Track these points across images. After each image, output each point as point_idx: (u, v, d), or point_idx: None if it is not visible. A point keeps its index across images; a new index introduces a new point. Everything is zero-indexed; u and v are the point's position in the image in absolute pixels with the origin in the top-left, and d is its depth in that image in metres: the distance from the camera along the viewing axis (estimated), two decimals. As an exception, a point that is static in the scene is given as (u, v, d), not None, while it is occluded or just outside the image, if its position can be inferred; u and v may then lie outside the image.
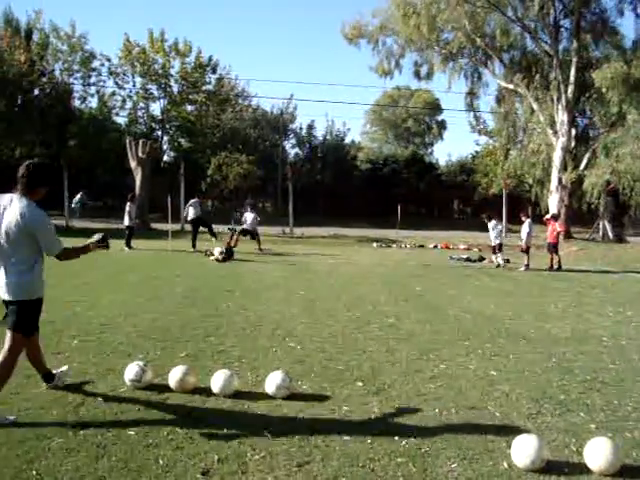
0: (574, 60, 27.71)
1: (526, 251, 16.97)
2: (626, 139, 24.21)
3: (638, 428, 4.69)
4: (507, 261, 17.84)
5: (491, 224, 17.44)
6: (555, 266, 17.08)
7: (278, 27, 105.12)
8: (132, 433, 4.32)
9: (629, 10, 28.04)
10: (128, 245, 18.77)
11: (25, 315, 4.57)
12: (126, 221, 19.40)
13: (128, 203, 19.56)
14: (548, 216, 18.36)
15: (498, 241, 17.30)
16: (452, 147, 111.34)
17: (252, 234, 19.80)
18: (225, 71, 44.33)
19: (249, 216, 19.89)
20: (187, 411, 4.81)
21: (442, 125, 68.72)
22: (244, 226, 19.81)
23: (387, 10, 31.51)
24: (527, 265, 16.82)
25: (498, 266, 17.10)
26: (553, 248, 17.25)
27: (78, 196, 33.24)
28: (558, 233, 17.61)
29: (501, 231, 17.62)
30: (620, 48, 27.32)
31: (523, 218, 17.49)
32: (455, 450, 4.19)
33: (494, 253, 17.63)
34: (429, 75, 33.65)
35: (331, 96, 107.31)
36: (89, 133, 37.28)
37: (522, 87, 29.53)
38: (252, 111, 47.04)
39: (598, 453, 3.90)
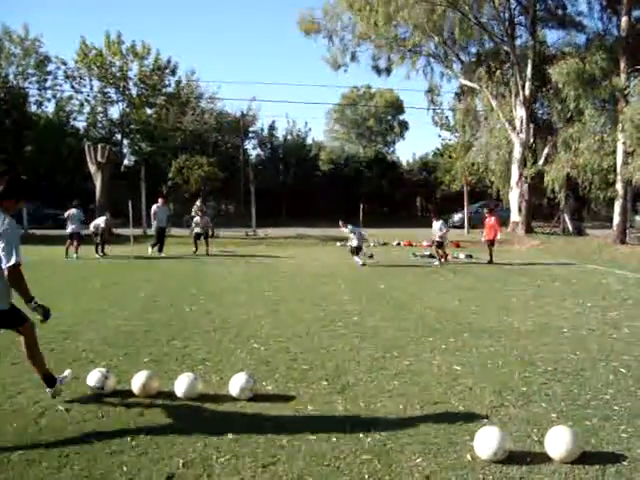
0: (530, 56, 28.13)
1: (439, 246, 17.19)
2: (583, 134, 24.63)
3: (596, 416, 4.81)
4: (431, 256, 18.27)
5: (347, 229, 16.93)
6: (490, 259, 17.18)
7: (237, 29, 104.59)
8: (95, 441, 4.26)
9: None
10: (100, 251, 18.53)
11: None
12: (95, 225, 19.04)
13: (107, 216, 19.26)
14: (487, 210, 18.31)
15: (355, 244, 16.79)
16: (414, 145, 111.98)
17: (205, 235, 19.99)
18: (187, 73, 44.05)
19: (202, 220, 20.30)
20: (151, 416, 4.77)
21: (404, 124, 69.05)
22: (197, 230, 19.96)
23: (337, 5, 31.46)
24: (441, 260, 17.09)
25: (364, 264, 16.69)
26: (490, 244, 17.28)
27: (197, 204, 32.85)
28: (496, 230, 17.33)
29: (359, 234, 17.06)
30: (575, 44, 27.86)
31: (434, 219, 17.53)
32: (419, 445, 4.24)
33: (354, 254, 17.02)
34: (388, 71, 33.71)
35: (291, 96, 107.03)
36: (46, 138, 36.60)
37: (481, 84, 29.88)
38: (214, 114, 46.65)
39: (558, 442, 3.98)
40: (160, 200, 20.01)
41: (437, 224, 17.04)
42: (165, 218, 19.70)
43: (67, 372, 5.36)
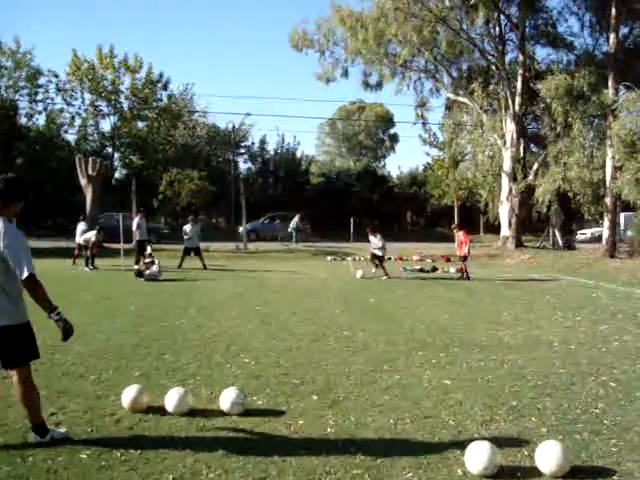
0: (520, 72, 28.37)
1: (380, 262, 17.43)
2: (573, 148, 24.80)
3: (587, 430, 4.81)
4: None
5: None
6: (465, 275, 16.94)
7: (230, 43, 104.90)
8: (84, 456, 4.22)
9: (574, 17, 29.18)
10: (90, 264, 18.53)
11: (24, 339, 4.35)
12: (79, 239, 19.16)
13: (82, 223, 19.47)
14: (454, 226, 18.16)
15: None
16: (404, 159, 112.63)
17: (196, 250, 19.55)
18: (181, 86, 44.23)
19: (191, 230, 19.56)
20: (141, 431, 4.73)
21: (394, 138, 69.32)
22: (186, 244, 19.56)
23: (330, 20, 31.61)
24: (387, 275, 17.10)
25: None
26: (464, 260, 17.05)
27: (295, 219, 32.78)
28: (466, 245, 16.92)
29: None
30: (564, 60, 28.29)
31: (370, 234, 17.78)
32: (410, 460, 4.22)
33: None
34: (379, 85, 33.81)
35: (282, 110, 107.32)
36: (37, 151, 36.54)
37: (471, 99, 30.08)
38: (206, 128, 46.60)
39: (549, 456, 3.98)
40: (139, 214, 19.99)
41: (375, 239, 17.46)
42: (146, 231, 19.65)
43: (63, 430, 4.61)
